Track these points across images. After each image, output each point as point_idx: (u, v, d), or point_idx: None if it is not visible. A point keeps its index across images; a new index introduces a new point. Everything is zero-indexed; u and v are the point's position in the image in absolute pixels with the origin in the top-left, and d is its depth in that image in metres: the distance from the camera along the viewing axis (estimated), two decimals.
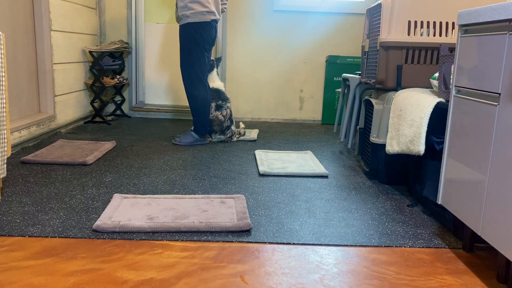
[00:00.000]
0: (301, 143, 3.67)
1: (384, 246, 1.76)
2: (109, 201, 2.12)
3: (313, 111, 4.79)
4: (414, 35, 2.47)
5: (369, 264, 1.62)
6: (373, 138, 2.52)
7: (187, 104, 4.87)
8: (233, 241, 1.76)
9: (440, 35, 2.46)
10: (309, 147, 3.52)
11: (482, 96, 1.54)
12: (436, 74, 2.22)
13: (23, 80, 3.29)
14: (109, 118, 4.40)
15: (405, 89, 2.40)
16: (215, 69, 3.67)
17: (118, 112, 4.67)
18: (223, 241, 1.75)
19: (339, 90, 4.03)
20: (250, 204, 2.17)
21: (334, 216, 2.05)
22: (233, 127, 3.63)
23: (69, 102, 3.91)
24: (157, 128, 4.14)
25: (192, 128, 3.48)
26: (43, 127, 3.41)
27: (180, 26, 3.29)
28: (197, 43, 3.27)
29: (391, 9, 2.47)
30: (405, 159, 2.50)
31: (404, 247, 1.77)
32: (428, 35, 2.47)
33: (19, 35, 3.22)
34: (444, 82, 2.01)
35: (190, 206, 2.06)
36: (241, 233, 1.83)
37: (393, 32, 2.47)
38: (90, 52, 4.16)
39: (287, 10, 4.57)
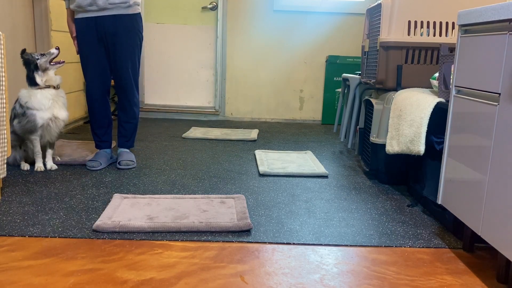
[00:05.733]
0: (301, 143, 3.67)
1: (384, 246, 1.76)
2: (109, 201, 2.12)
3: (313, 111, 4.79)
4: (414, 35, 2.47)
5: (369, 264, 1.62)
6: (373, 138, 2.52)
7: (187, 103, 4.92)
8: (233, 241, 1.76)
9: (440, 35, 2.46)
10: (309, 147, 3.52)
11: (482, 96, 1.54)
12: (436, 74, 2.22)
13: (23, 80, 3.28)
14: None
15: (405, 89, 2.40)
16: None
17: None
18: (223, 241, 1.75)
19: (339, 90, 4.03)
20: (250, 204, 2.17)
21: (334, 216, 2.05)
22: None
23: (69, 102, 3.90)
24: (157, 128, 4.14)
25: (125, 144, 2.85)
26: None
27: (129, 15, 2.68)
28: (142, 40, 2.80)
29: (391, 9, 2.47)
30: (405, 159, 2.50)
31: (404, 247, 1.77)
32: (428, 35, 2.47)
33: (19, 35, 3.22)
34: (444, 82, 2.01)
35: (190, 206, 2.06)
36: (241, 233, 1.83)
37: (393, 32, 2.47)
38: None
39: (287, 10, 4.57)
